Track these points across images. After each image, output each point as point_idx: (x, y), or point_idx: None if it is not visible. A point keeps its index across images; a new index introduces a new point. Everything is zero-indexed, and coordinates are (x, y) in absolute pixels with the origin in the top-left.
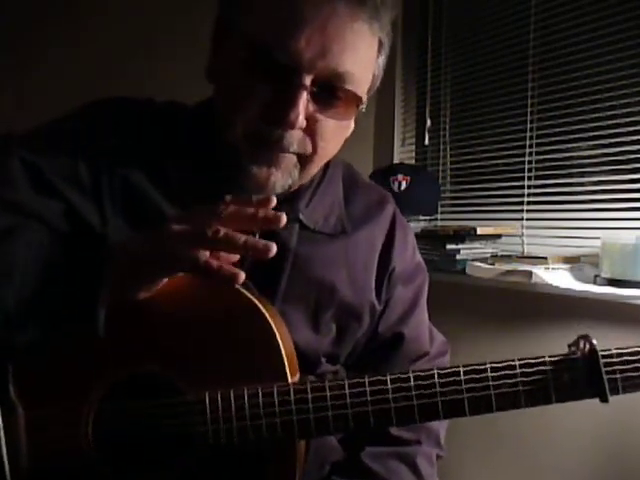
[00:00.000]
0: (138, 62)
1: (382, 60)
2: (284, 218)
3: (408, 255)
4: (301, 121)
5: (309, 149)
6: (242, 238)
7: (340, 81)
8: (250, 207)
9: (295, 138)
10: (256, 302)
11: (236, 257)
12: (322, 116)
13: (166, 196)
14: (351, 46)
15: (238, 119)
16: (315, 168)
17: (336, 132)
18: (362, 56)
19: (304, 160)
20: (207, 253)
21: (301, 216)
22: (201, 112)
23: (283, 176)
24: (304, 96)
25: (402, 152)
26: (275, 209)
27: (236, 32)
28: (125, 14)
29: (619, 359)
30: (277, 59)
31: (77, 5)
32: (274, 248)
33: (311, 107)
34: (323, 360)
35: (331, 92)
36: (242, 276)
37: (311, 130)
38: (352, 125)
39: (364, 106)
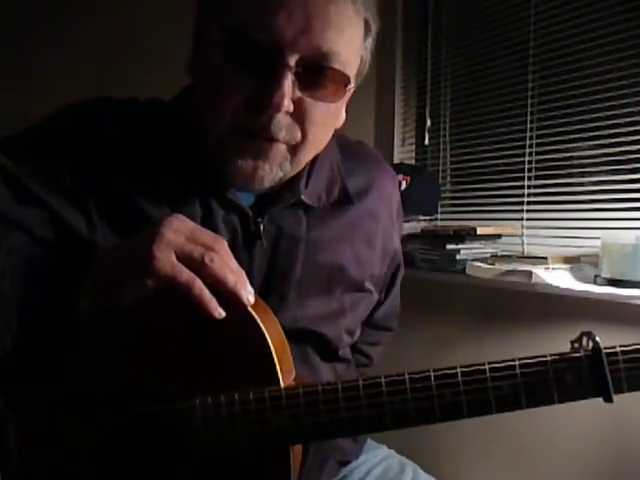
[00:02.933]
0: (138, 62)
1: (370, 43)
2: (252, 299)
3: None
4: (287, 104)
5: (298, 136)
6: (233, 278)
7: (325, 60)
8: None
9: (283, 124)
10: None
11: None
12: (310, 99)
13: (151, 197)
14: (335, 24)
15: (221, 112)
16: (306, 156)
17: (326, 117)
18: (347, 36)
19: (294, 149)
20: (200, 284)
21: (303, 197)
22: (179, 106)
23: (272, 169)
24: (289, 76)
25: (402, 152)
26: (276, 194)
27: (215, 20)
28: (125, 15)
29: (623, 357)
30: (258, 39)
31: (77, 6)
32: (251, 301)
33: (297, 90)
34: (344, 337)
35: (317, 72)
36: (223, 314)
37: (299, 114)
38: (343, 115)
39: (352, 86)
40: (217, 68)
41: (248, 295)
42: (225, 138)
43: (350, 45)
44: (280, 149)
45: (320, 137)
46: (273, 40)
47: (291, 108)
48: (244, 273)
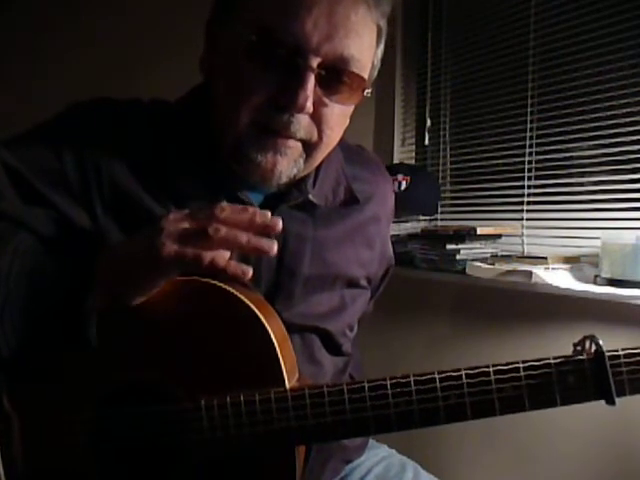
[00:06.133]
0: (138, 62)
1: (380, 50)
2: (280, 224)
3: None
4: (309, 105)
5: (315, 136)
6: (244, 237)
7: (345, 64)
8: (246, 213)
9: (302, 124)
10: (253, 307)
11: (228, 254)
12: (328, 101)
13: (156, 196)
14: (355, 31)
15: (242, 108)
16: (320, 156)
17: (340, 119)
18: (365, 41)
19: (309, 148)
20: (210, 252)
21: (310, 196)
22: (189, 105)
23: (289, 165)
24: (312, 79)
25: (402, 152)
26: (284, 194)
27: (237, 18)
28: (125, 15)
29: (626, 360)
30: (284, 42)
31: (78, 6)
32: (275, 247)
33: (318, 91)
34: (347, 332)
35: (337, 76)
36: (250, 272)
37: (317, 116)
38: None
39: (369, 91)
40: (240, 66)
41: (269, 244)
42: (244, 134)
43: (367, 50)
44: (297, 146)
45: (333, 138)
46: (299, 44)
47: (311, 109)
48: (258, 210)
